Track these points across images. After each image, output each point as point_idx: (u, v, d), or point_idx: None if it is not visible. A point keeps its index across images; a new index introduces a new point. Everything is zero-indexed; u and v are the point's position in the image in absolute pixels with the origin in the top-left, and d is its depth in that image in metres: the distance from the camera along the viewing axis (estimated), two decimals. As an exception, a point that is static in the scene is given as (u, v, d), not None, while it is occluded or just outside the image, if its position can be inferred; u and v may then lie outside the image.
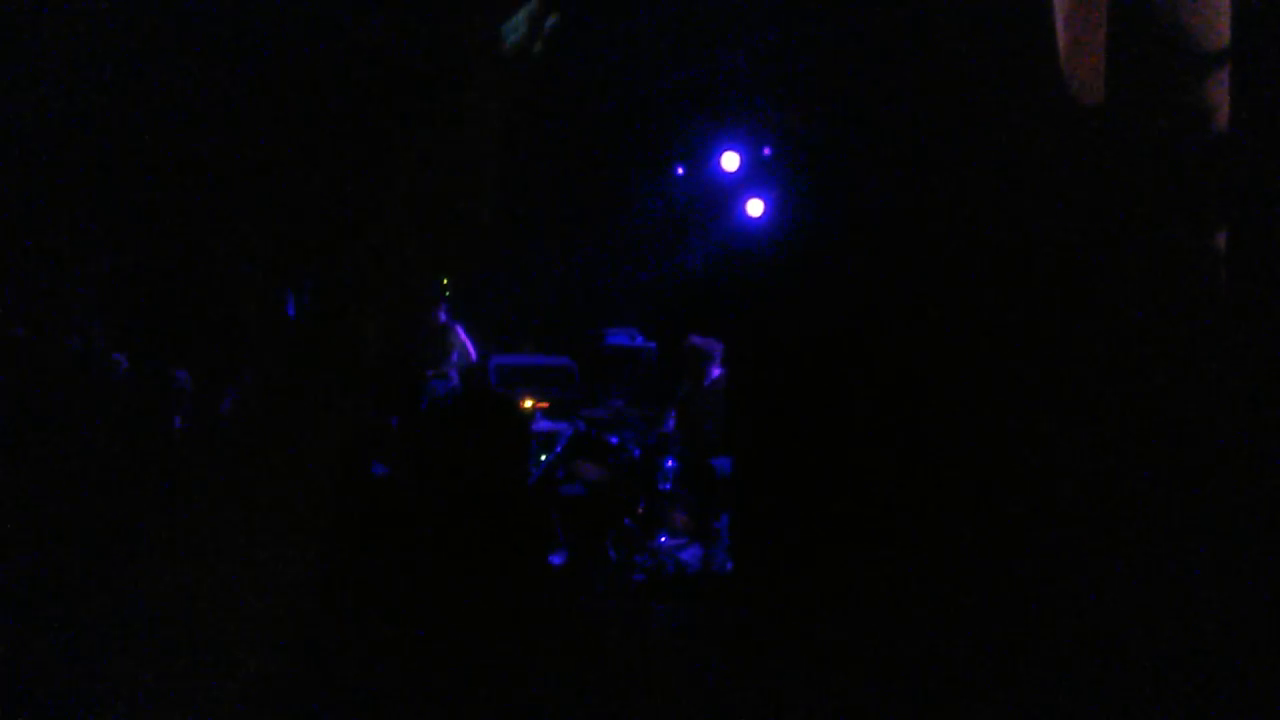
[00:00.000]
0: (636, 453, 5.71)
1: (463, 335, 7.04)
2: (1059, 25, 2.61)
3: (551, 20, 1.03)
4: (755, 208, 6.85)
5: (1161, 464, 2.51)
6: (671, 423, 6.03)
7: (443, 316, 7.16)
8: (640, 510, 5.48)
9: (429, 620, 3.39)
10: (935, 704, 3.01)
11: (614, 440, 5.76)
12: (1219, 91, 2.15)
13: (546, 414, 7.15)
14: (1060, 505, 2.87)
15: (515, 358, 7.72)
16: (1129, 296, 2.61)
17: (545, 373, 7.66)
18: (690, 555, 5.43)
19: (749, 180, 6.75)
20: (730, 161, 6.81)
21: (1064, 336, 2.95)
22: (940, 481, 3.34)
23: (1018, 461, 3.03)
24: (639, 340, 7.11)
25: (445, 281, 7.80)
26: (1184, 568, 2.36)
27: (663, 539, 5.49)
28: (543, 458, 6.33)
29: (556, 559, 5.35)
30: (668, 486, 5.70)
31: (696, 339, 6.16)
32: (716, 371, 6.14)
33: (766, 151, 6.32)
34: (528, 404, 7.31)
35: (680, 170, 7.69)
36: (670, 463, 5.68)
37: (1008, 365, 3.16)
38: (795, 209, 4.55)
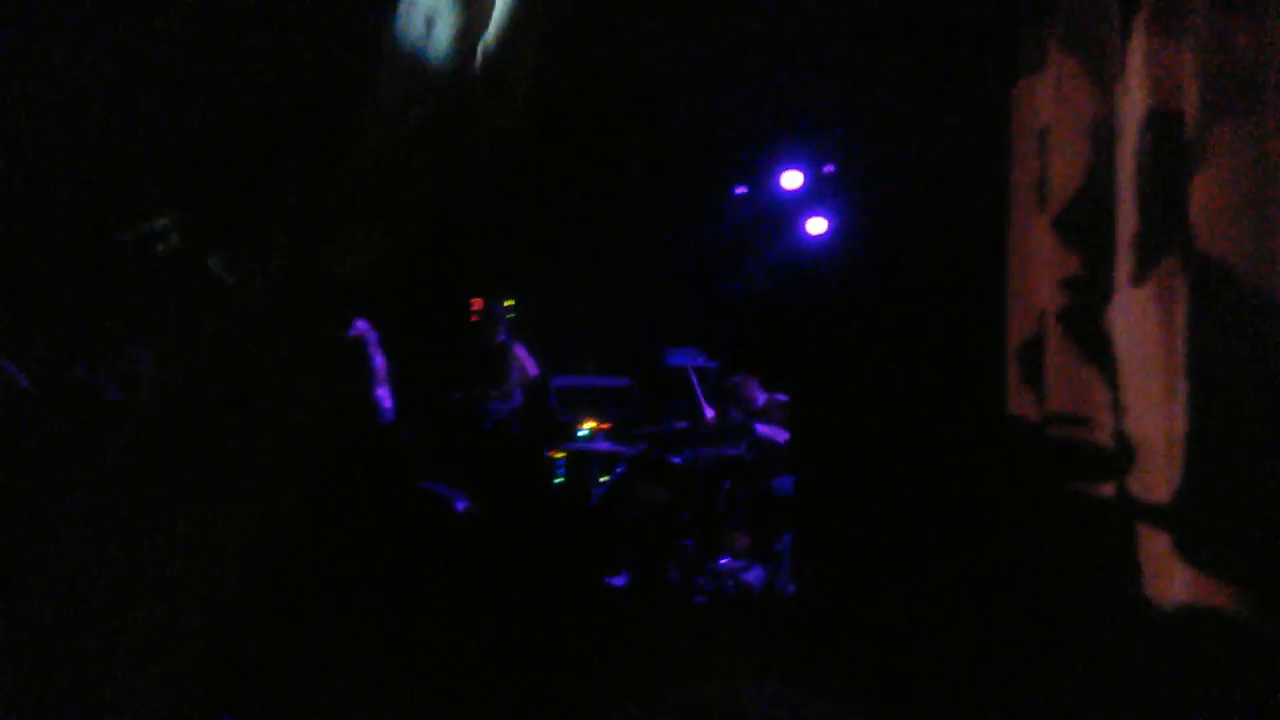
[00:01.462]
0: (698, 474, 5.69)
1: (522, 353, 7.07)
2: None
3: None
4: (817, 226, 6.79)
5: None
6: (729, 452, 6.02)
7: (502, 336, 7.21)
8: (701, 531, 5.45)
9: (490, 639, 3.40)
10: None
11: (675, 461, 5.74)
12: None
13: (608, 435, 7.15)
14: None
15: (576, 379, 7.74)
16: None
17: (606, 394, 7.66)
18: (752, 577, 5.37)
19: (810, 198, 6.70)
20: (791, 180, 6.76)
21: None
22: (1011, 502, 3.26)
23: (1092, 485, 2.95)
24: (700, 360, 7.08)
25: (509, 303, 7.89)
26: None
27: (724, 560, 5.44)
28: (603, 479, 6.33)
29: (618, 580, 5.33)
30: (729, 509, 5.66)
31: (735, 378, 6.33)
32: (761, 398, 6.20)
33: (828, 169, 6.27)
34: (589, 425, 7.32)
35: (741, 189, 7.66)
36: (730, 484, 5.65)
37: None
38: (858, 227, 4.51)
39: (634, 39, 6.15)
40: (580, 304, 8.31)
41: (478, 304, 7.94)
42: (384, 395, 5.94)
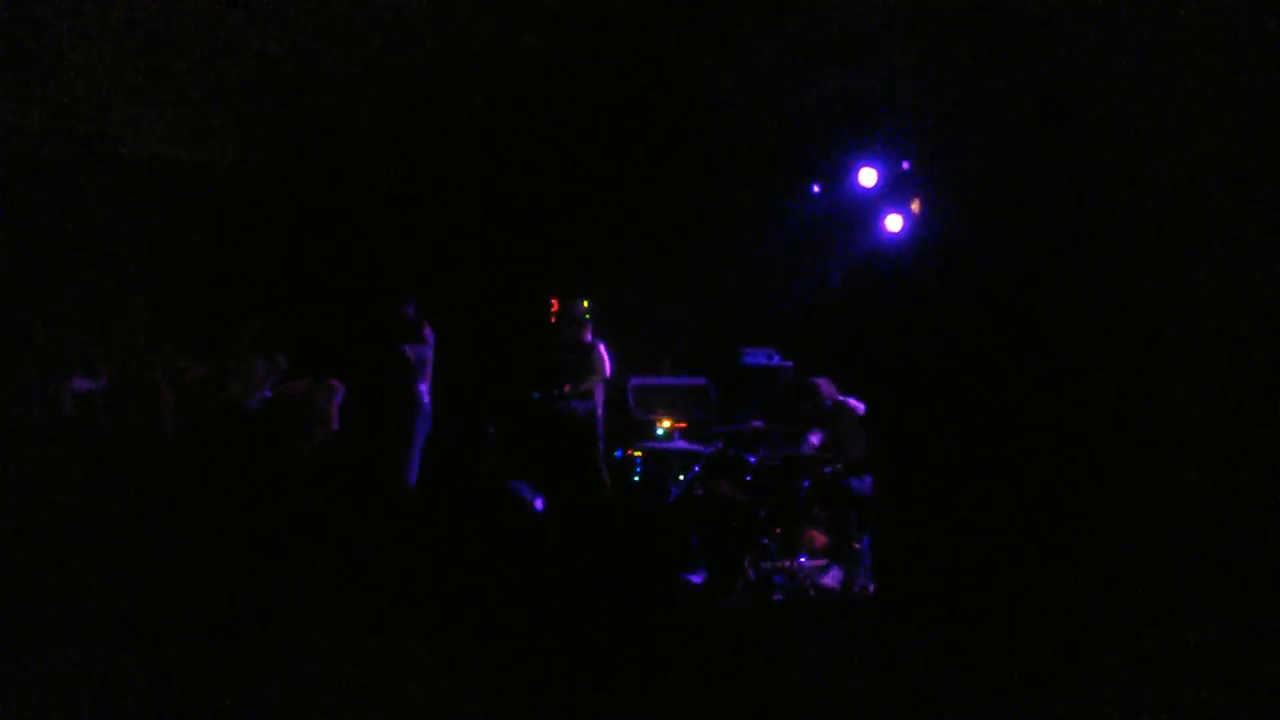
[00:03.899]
0: (775, 472, 5.68)
1: (604, 354, 7.15)
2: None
3: None
4: (894, 223, 6.72)
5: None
6: (813, 441, 5.98)
7: (589, 337, 7.31)
8: (778, 530, 5.44)
9: (570, 634, 3.46)
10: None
11: (752, 459, 5.74)
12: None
13: (684, 434, 7.19)
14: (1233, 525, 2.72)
15: (653, 379, 7.80)
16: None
17: (682, 393, 7.70)
18: (830, 577, 5.35)
19: (887, 195, 6.64)
20: (868, 177, 6.71)
21: (1230, 349, 2.81)
22: (1093, 499, 3.21)
23: (1176, 478, 2.89)
24: (776, 359, 7.08)
25: (586, 304, 7.98)
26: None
27: (802, 559, 5.43)
28: (680, 477, 6.36)
29: (695, 577, 5.36)
30: (805, 506, 5.64)
31: (811, 381, 6.29)
32: (829, 401, 6.15)
33: (905, 166, 6.21)
34: (665, 424, 7.37)
35: (816, 188, 7.63)
36: (808, 483, 5.63)
37: (1164, 381, 3.02)
38: (936, 223, 4.47)
39: (708, 38, 6.18)
40: (656, 304, 8.37)
41: (555, 304, 8.06)
42: (424, 391, 6.14)
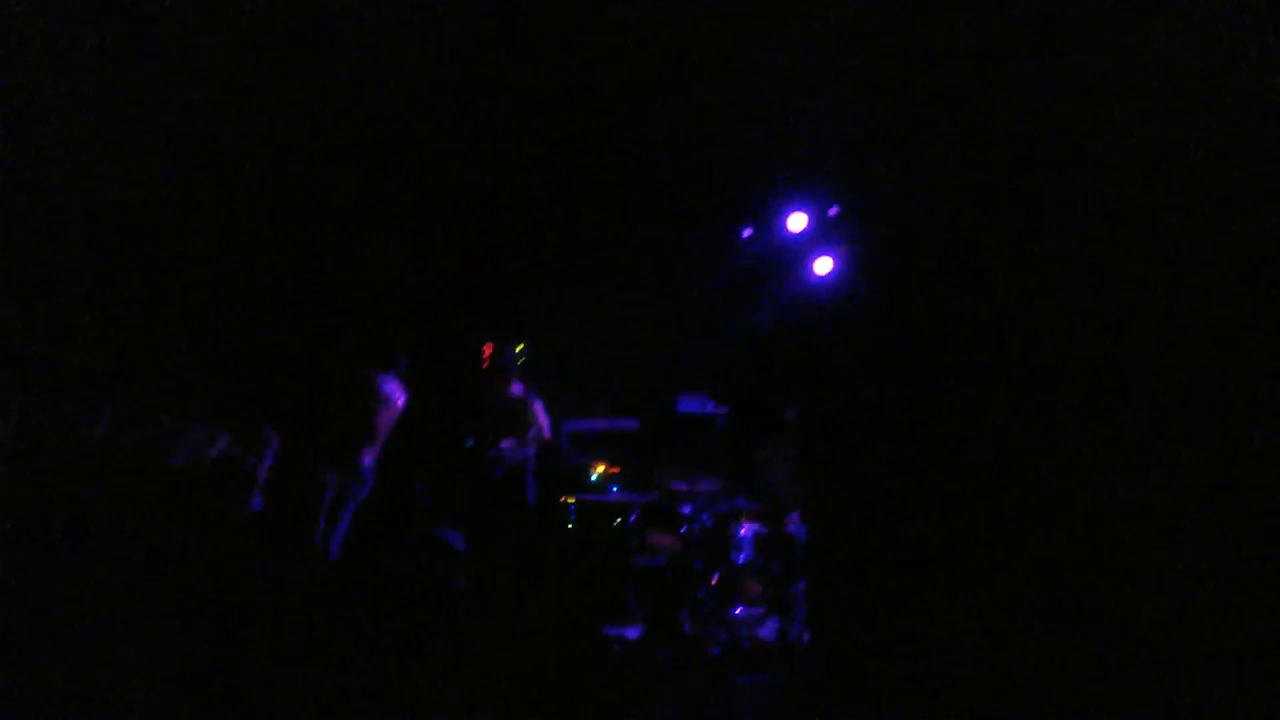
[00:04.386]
0: (709, 522, 5.60)
1: (539, 409, 7.01)
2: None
3: None
4: (823, 266, 6.76)
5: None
6: (741, 499, 5.90)
7: (518, 389, 7.19)
8: (714, 581, 5.36)
9: (499, 689, 3.34)
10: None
11: (686, 509, 5.66)
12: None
13: (619, 478, 7.10)
14: (1172, 586, 2.72)
15: (586, 422, 7.70)
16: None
17: (618, 437, 7.63)
18: (767, 627, 5.28)
19: (816, 240, 6.68)
20: (797, 222, 6.74)
21: (1161, 405, 2.83)
22: (1026, 548, 3.21)
23: (1112, 532, 2.90)
24: (710, 406, 7.03)
25: (520, 349, 7.86)
26: None
27: (738, 610, 5.35)
28: (614, 523, 6.26)
29: (631, 632, 5.26)
30: (742, 557, 5.57)
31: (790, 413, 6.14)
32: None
33: (833, 211, 6.25)
34: (600, 469, 7.27)
35: (746, 232, 7.65)
36: (744, 531, 5.56)
37: (1096, 430, 3.03)
38: (865, 266, 4.49)
39: (641, 85, 6.19)
40: (590, 346, 8.30)
41: (488, 350, 7.94)
42: (369, 456, 5.89)
